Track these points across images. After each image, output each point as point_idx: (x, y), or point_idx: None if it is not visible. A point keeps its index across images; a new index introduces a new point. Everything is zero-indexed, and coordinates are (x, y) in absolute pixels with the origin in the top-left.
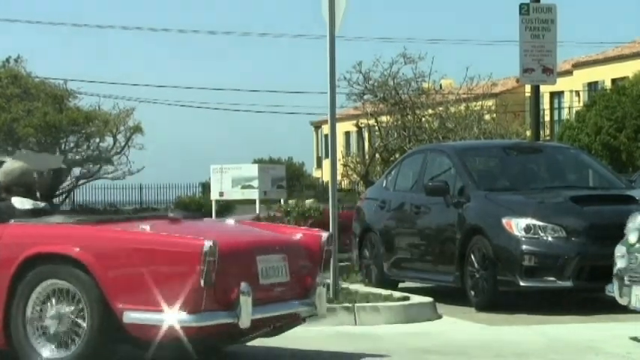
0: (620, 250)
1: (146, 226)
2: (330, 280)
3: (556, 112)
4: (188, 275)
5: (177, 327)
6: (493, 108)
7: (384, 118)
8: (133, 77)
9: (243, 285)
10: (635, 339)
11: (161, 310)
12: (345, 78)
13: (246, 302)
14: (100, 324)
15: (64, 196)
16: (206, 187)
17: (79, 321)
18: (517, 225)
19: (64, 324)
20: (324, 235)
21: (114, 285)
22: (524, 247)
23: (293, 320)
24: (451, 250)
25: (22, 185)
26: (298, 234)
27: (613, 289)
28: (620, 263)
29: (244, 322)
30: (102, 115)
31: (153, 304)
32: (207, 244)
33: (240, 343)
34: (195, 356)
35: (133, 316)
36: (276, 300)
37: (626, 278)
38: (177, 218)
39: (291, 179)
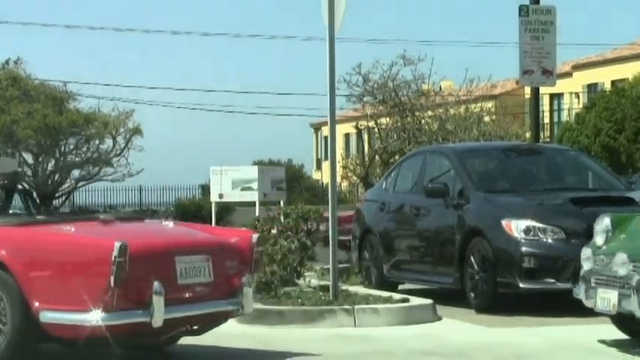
0: (585, 252)
1: (70, 228)
2: (330, 282)
3: (556, 114)
4: (99, 275)
5: (89, 326)
6: (493, 110)
7: (383, 120)
8: (132, 79)
9: (156, 284)
10: (633, 340)
11: (73, 310)
12: (344, 80)
13: (158, 302)
14: (20, 324)
15: (63, 198)
16: (206, 188)
17: (2, 321)
18: (517, 227)
19: None
20: (254, 236)
21: (32, 285)
22: (523, 248)
23: (216, 319)
24: (451, 251)
25: None
26: (228, 235)
27: (579, 292)
28: (586, 265)
29: (157, 321)
30: (101, 117)
31: (66, 304)
32: (117, 245)
33: (163, 343)
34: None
35: (48, 316)
36: (196, 300)
37: (592, 280)
38: (108, 220)
39: (291, 181)
